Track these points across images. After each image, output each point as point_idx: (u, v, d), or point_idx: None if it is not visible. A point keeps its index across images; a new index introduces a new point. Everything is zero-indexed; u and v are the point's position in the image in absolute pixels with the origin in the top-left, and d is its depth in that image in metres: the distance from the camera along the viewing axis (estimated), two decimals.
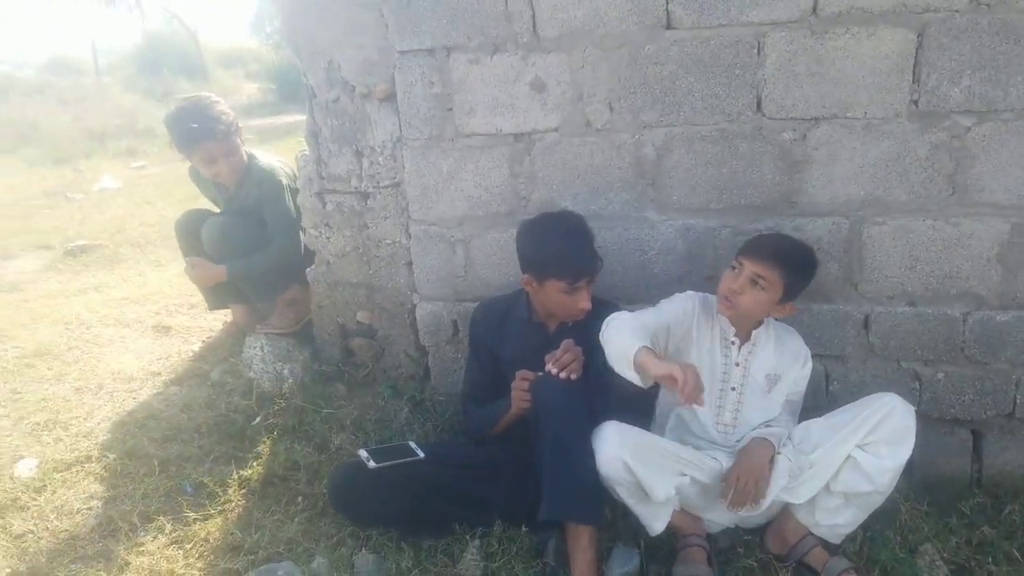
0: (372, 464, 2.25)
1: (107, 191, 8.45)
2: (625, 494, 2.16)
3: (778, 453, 2.21)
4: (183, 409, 2.87)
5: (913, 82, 2.25)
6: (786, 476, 2.20)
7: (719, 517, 2.30)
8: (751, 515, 2.24)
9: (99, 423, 2.82)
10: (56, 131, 12.52)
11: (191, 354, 3.41)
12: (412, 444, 2.39)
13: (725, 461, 2.25)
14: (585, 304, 2.32)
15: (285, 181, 3.25)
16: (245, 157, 3.24)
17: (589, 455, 2.11)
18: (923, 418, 2.45)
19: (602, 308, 2.37)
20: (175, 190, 8.09)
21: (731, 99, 2.38)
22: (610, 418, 2.16)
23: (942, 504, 2.37)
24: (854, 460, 2.13)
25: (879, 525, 2.27)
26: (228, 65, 22.50)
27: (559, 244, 2.30)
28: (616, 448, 2.08)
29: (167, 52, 20.58)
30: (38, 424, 2.79)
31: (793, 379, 2.36)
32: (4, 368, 3.22)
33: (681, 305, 2.32)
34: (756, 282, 2.17)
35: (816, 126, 2.35)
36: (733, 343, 2.32)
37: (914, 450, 2.48)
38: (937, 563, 2.18)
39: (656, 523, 2.21)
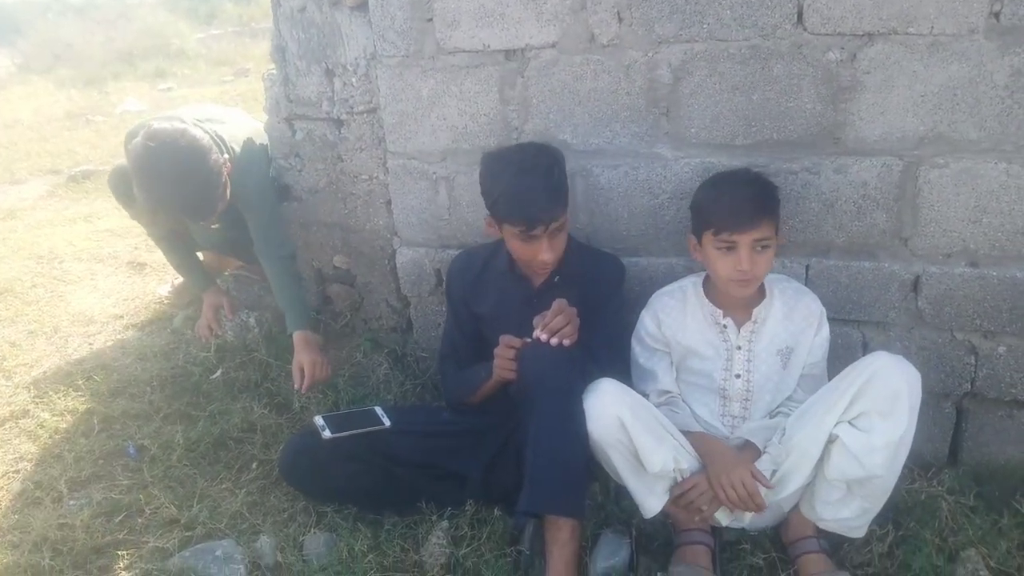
0: (327, 434, 2.01)
1: (129, 113, 8.31)
2: (618, 460, 1.90)
3: (764, 452, 1.95)
4: (138, 359, 2.68)
5: None
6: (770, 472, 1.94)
7: (721, 516, 1.99)
8: (758, 519, 1.94)
9: (45, 372, 2.63)
10: (88, 52, 12.42)
11: (159, 296, 3.19)
12: (378, 410, 2.15)
13: None
14: (545, 256, 2.01)
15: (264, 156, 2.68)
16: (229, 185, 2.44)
17: (580, 440, 1.86)
18: (977, 399, 2.18)
19: (600, 262, 2.06)
20: None
21: (765, 9, 2.01)
22: None
23: (993, 500, 2.08)
24: (839, 440, 1.83)
25: (914, 523, 1.99)
26: None
27: (510, 182, 1.98)
28: (613, 404, 1.85)
29: None
30: None
31: (808, 348, 2.04)
32: None
33: (649, 331, 2.11)
34: (763, 246, 1.93)
35: (869, 44, 1.98)
36: (725, 327, 2.03)
37: (965, 436, 2.22)
38: (981, 572, 1.89)
39: (650, 500, 1.94)
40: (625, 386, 1.93)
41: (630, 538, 2.01)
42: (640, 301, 2.19)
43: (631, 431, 1.84)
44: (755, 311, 2.01)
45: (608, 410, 1.84)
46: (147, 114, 8.25)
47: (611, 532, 2.03)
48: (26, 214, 4.58)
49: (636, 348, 2.13)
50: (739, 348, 2.02)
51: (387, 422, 2.09)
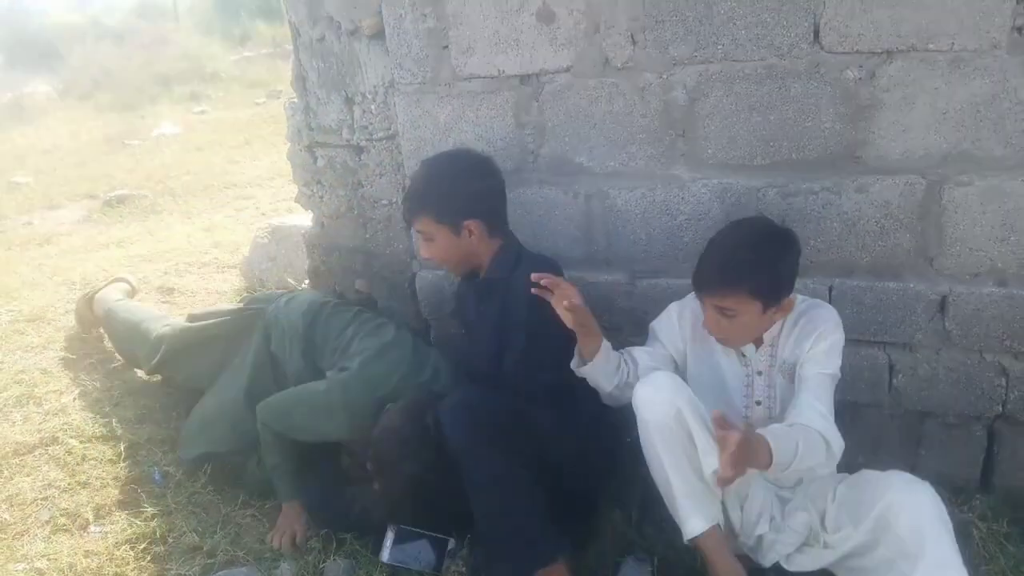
0: (385, 555, 1.99)
1: (164, 137, 8.53)
2: (670, 460, 1.79)
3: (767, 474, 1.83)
4: (164, 385, 2.67)
5: (1018, 3, 1.81)
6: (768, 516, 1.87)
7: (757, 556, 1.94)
8: (800, 560, 1.87)
9: (74, 399, 2.67)
10: (126, 77, 12.70)
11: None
12: (450, 545, 2.04)
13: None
14: (420, 253, 2.18)
15: None
16: None
17: (515, 490, 1.84)
18: (1009, 421, 2.12)
19: (534, 265, 1.99)
20: (228, 137, 8.06)
21: (782, 28, 1.99)
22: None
23: None
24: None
25: None
26: None
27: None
28: (671, 394, 1.79)
29: None
30: (10, 399, 2.66)
31: (802, 359, 1.91)
32: None
33: (666, 319, 2.03)
34: (725, 314, 1.81)
35: (888, 61, 1.94)
36: (744, 353, 1.95)
37: (997, 459, 2.16)
38: None
39: (694, 520, 1.81)
40: (681, 380, 1.86)
41: (652, 567, 1.97)
42: None
43: (690, 423, 1.76)
44: (767, 335, 1.93)
45: (665, 397, 1.78)
46: (182, 137, 8.43)
47: (633, 560, 1.99)
48: (61, 240, 4.69)
49: (650, 340, 2.05)
50: (760, 374, 1.95)
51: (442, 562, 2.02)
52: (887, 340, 2.15)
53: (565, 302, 1.78)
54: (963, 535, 1.92)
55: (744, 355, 1.95)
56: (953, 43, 1.88)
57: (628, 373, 1.94)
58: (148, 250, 4.10)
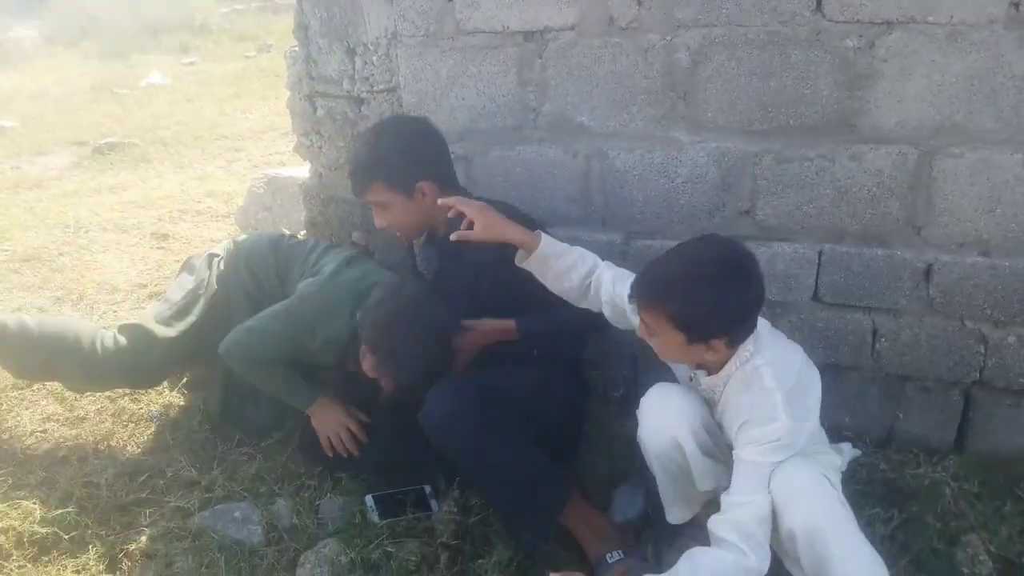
0: (376, 518, 2.03)
1: (153, 87, 8.43)
2: (662, 473, 1.86)
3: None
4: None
5: None
6: None
7: None
8: None
9: None
10: (113, 24, 12.48)
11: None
12: (427, 490, 2.11)
13: None
14: (376, 224, 2.16)
15: None
16: None
17: (510, 462, 1.90)
18: (985, 387, 2.19)
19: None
20: (218, 89, 7.99)
21: None
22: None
23: (996, 487, 2.09)
24: None
25: (917, 507, 2.03)
26: None
27: None
28: (672, 422, 1.76)
29: None
30: None
31: (736, 435, 1.70)
32: None
33: None
34: (647, 327, 1.66)
35: (888, 32, 1.98)
36: (693, 374, 1.81)
37: (971, 423, 2.24)
38: (981, 557, 1.91)
39: (677, 509, 1.92)
40: (692, 396, 1.78)
41: (644, 494, 2.06)
42: None
43: (688, 453, 1.75)
44: (719, 375, 1.73)
45: (667, 423, 1.76)
46: (171, 87, 8.33)
47: (627, 487, 2.10)
48: (52, 184, 4.67)
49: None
50: (713, 400, 1.79)
51: (435, 507, 2.07)
52: (872, 305, 2.21)
53: (473, 218, 1.80)
54: (935, 493, 2.05)
55: (693, 376, 1.80)
56: (952, 16, 1.92)
57: (591, 287, 1.86)
58: (141, 197, 4.11)
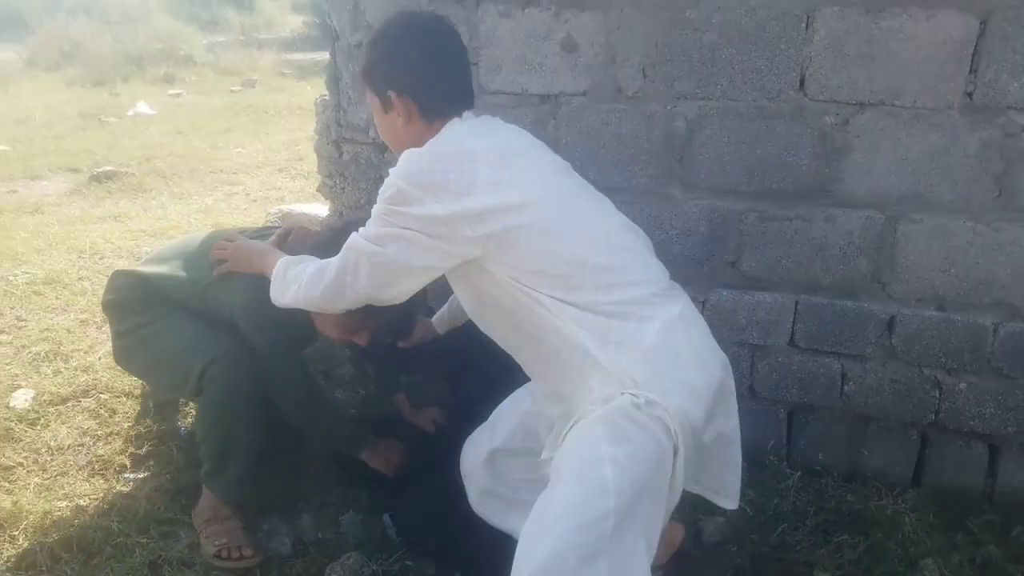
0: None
1: (141, 117, 8.49)
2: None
3: None
4: None
5: (970, 72, 2.10)
6: None
7: None
8: None
9: (99, 358, 2.81)
10: (97, 52, 12.53)
11: None
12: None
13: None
14: None
15: None
16: None
17: None
18: (939, 428, 2.38)
19: None
20: (207, 122, 8.11)
21: (773, 75, 2.25)
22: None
23: (950, 519, 2.28)
24: None
25: (880, 534, 2.20)
26: None
27: None
28: (485, 444, 1.91)
29: None
30: (39, 354, 2.78)
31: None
32: (12, 294, 3.23)
33: None
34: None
35: (860, 112, 2.21)
36: None
37: (927, 461, 2.43)
38: None
39: None
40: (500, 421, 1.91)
41: None
42: None
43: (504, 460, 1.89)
44: None
45: (476, 449, 1.90)
46: (159, 118, 8.44)
47: None
48: (52, 209, 4.73)
49: None
50: None
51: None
52: (842, 351, 2.39)
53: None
54: (896, 523, 2.21)
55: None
56: (916, 101, 2.14)
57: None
58: (148, 226, 4.21)
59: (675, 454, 1.45)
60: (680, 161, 2.40)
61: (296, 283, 1.69)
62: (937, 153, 2.18)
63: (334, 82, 2.74)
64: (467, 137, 1.59)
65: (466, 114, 1.66)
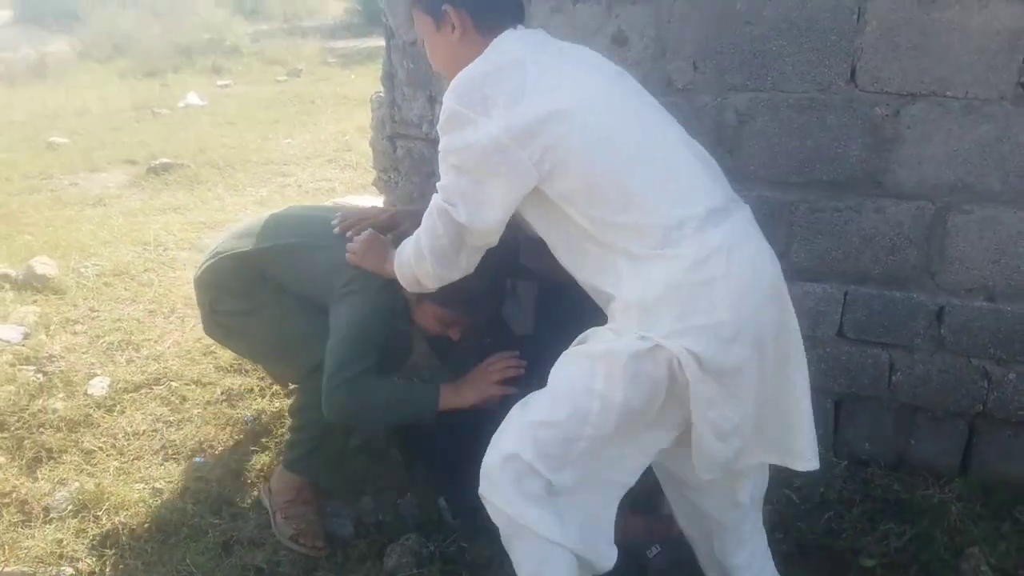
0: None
1: (192, 108, 8.64)
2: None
3: None
4: None
5: (1023, 63, 2.09)
6: None
7: None
8: None
9: (169, 347, 2.94)
10: (147, 43, 12.76)
11: None
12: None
13: None
14: None
15: None
16: None
17: None
18: (987, 418, 2.38)
19: None
20: (256, 113, 8.26)
21: (824, 67, 2.25)
22: None
23: (996, 508, 2.30)
24: None
25: (927, 523, 2.23)
26: None
27: None
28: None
29: None
30: (112, 344, 2.93)
31: None
32: (84, 286, 3.38)
33: None
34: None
35: (912, 103, 2.21)
36: None
37: (975, 451, 2.44)
38: (982, 568, 2.10)
39: None
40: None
41: None
42: None
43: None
44: None
45: None
46: (208, 109, 8.63)
47: None
48: (113, 202, 4.89)
49: None
50: None
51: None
52: (890, 342, 2.40)
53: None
54: (943, 512, 2.23)
55: None
56: (967, 92, 2.13)
57: None
58: (207, 218, 4.35)
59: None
60: (730, 153, 2.41)
61: (409, 269, 1.73)
62: (988, 144, 2.17)
63: (389, 79, 2.81)
64: (516, 45, 1.57)
65: (519, 27, 1.66)
